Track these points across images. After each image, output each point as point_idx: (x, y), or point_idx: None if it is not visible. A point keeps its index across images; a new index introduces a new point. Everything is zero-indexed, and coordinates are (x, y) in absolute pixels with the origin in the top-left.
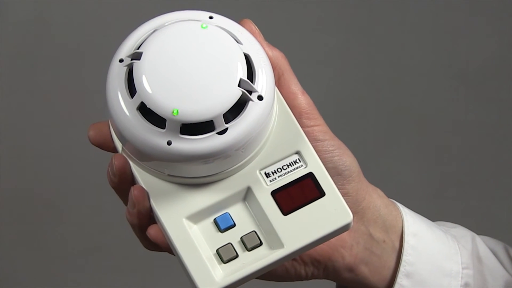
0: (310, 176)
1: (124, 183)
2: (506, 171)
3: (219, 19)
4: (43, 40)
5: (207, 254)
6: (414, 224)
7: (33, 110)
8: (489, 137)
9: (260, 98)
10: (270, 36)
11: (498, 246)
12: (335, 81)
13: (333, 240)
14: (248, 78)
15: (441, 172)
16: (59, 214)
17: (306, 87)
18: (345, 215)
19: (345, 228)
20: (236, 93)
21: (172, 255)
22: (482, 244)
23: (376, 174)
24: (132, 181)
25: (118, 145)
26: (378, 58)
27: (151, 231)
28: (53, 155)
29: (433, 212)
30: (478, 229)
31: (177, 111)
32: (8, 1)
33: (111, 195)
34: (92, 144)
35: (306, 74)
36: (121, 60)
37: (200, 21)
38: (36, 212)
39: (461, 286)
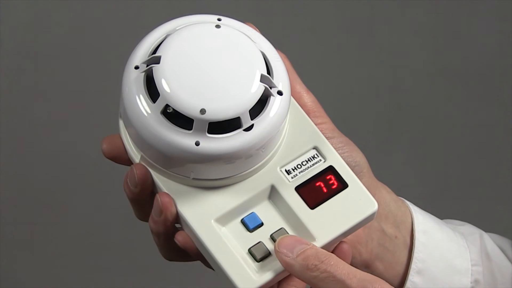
0: (330, 169)
1: (144, 193)
2: (506, 171)
3: (227, 21)
4: (43, 40)
5: (240, 254)
6: (424, 222)
7: (33, 110)
8: (489, 137)
9: (280, 93)
10: (270, 36)
11: (506, 243)
12: (335, 81)
13: (349, 236)
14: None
15: (441, 172)
16: (60, 214)
17: (306, 87)
18: (371, 204)
19: (371, 217)
20: (259, 89)
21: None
22: (490, 241)
23: (376, 174)
24: (152, 190)
25: (135, 155)
26: (378, 58)
27: (179, 237)
28: (53, 155)
29: (433, 212)
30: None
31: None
32: (8, 1)
33: (111, 195)
34: (107, 157)
35: (305, 74)
36: (136, 67)
37: (212, 22)
38: (36, 212)
39: (471, 283)
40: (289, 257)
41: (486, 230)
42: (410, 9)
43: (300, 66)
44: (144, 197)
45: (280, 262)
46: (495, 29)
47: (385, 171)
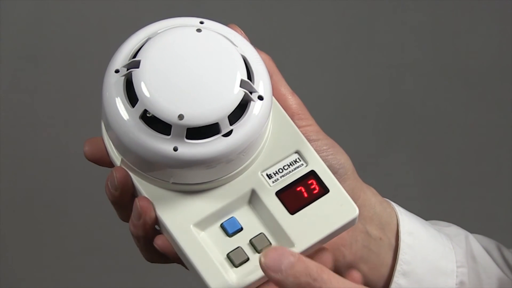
0: (312, 174)
1: (125, 196)
2: (506, 171)
3: (210, 24)
4: (43, 40)
5: (219, 259)
6: (409, 223)
7: (33, 110)
8: (489, 137)
9: (260, 98)
10: (268, 36)
11: (491, 245)
12: (335, 81)
13: (333, 239)
14: (247, 79)
15: (441, 172)
16: (59, 214)
17: (306, 87)
18: (352, 210)
19: (352, 223)
20: (239, 94)
21: (177, 264)
22: (475, 242)
23: (376, 174)
24: (133, 193)
25: (116, 158)
26: (378, 58)
27: (159, 241)
28: (53, 155)
29: (433, 212)
30: (478, 229)
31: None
32: (8, 1)
33: None
34: (89, 160)
35: (306, 74)
36: (117, 71)
37: (193, 26)
38: (36, 212)
39: (456, 284)
40: (279, 274)
41: (486, 230)
42: (410, 9)
43: (299, 66)
44: (125, 200)
45: (270, 280)
46: (495, 29)
47: (385, 171)
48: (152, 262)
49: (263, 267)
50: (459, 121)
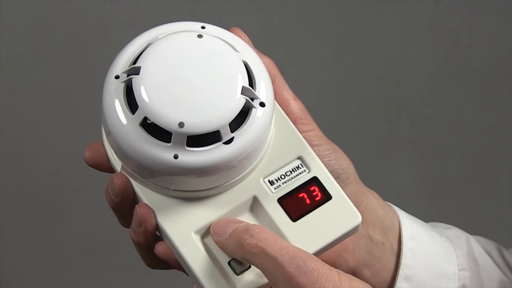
0: (315, 180)
1: (125, 202)
2: (506, 171)
3: (211, 28)
4: (43, 40)
5: (220, 267)
6: (411, 227)
7: (33, 110)
8: (489, 137)
9: (262, 104)
10: (268, 36)
11: (491, 246)
12: (335, 81)
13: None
14: (249, 85)
15: (440, 172)
16: (59, 214)
17: (306, 88)
18: (354, 217)
19: (355, 230)
20: (240, 101)
21: (178, 270)
22: (476, 245)
23: (376, 174)
24: (133, 200)
25: (117, 164)
26: (378, 58)
27: (159, 248)
28: (53, 155)
29: (433, 212)
30: (477, 229)
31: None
32: (8, 1)
33: None
34: (89, 165)
35: (306, 74)
36: (117, 77)
37: (194, 31)
38: (36, 212)
39: (458, 287)
40: (223, 237)
41: (486, 230)
42: (410, 9)
43: (299, 66)
44: (126, 206)
45: (216, 244)
46: (495, 29)
47: (385, 171)
48: (153, 269)
49: (211, 233)
50: (459, 121)
